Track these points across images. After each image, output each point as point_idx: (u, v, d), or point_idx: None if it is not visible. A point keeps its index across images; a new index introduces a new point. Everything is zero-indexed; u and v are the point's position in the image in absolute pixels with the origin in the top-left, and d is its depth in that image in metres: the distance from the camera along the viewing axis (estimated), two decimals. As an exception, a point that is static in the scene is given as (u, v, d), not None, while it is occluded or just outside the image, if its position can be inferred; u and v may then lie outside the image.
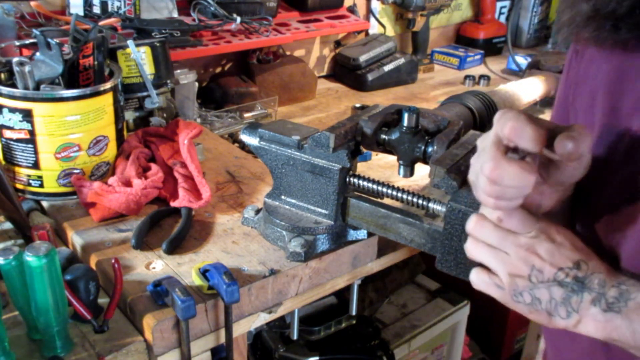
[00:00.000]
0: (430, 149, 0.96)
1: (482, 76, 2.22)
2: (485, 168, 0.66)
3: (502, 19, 2.70)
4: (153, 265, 1.03)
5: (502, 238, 0.70)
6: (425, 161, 0.98)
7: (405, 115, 0.98)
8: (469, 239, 0.74)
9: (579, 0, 0.72)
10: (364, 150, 1.05)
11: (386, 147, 1.02)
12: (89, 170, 1.19)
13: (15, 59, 1.12)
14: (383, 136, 1.01)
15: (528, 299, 0.70)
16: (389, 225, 1.00)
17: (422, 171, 1.05)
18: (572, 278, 0.68)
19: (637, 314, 0.65)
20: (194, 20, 1.73)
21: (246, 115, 1.75)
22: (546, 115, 1.91)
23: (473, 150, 0.91)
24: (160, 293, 0.92)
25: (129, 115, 1.42)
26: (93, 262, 1.04)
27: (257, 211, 1.14)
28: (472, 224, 0.72)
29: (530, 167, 0.65)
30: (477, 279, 0.74)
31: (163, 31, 1.57)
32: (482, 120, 1.46)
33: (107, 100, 1.18)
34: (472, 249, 0.74)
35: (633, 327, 0.66)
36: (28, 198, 1.19)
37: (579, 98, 0.84)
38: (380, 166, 1.49)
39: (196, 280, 0.96)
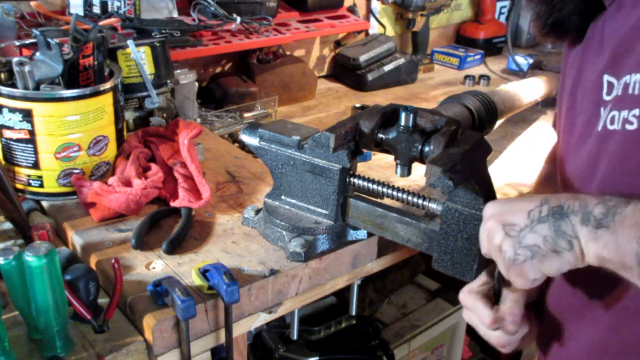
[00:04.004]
0: (427, 149, 0.96)
1: (482, 76, 2.22)
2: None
3: (502, 19, 2.70)
4: (153, 265, 1.03)
5: None
6: (422, 161, 0.98)
7: (402, 115, 0.98)
8: None
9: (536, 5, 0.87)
10: (364, 151, 1.05)
11: (383, 147, 1.02)
12: (89, 170, 1.20)
13: (15, 59, 1.12)
14: (380, 135, 1.01)
15: (526, 253, 0.70)
16: (386, 225, 1.00)
17: (422, 171, 1.05)
18: (548, 211, 0.69)
19: (622, 227, 0.63)
20: (194, 20, 1.73)
21: (246, 115, 1.75)
22: (547, 116, 1.91)
23: (470, 150, 0.92)
24: (160, 293, 0.92)
25: (129, 115, 1.42)
26: (93, 262, 1.04)
27: (257, 211, 1.14)
28: None
29: None
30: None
31: (163, 31, 1.57)
32: (481, 120, 1.45)
33: (107, 100, 1.18)
34: None
35: (618, 241, 0.64)
36: (28, 198, 1.19)
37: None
38: (380, 166, 1.49)
39: (196, 280, 0.96)
